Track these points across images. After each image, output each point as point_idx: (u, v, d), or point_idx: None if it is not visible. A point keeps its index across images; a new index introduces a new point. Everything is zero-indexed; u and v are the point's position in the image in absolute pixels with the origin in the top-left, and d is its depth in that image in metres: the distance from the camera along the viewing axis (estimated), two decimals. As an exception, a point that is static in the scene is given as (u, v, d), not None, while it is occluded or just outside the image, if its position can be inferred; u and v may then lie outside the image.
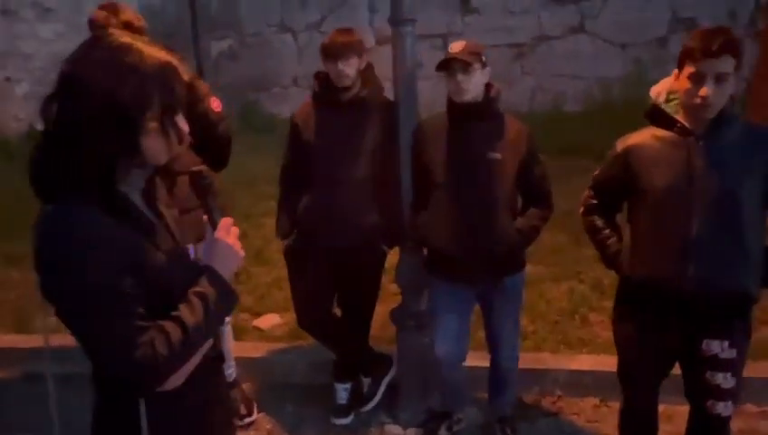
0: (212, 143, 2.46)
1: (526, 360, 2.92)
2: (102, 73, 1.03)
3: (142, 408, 1.15)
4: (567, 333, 3.16)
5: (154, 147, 1.10)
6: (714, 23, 7.81)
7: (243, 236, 3.52)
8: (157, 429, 1.17)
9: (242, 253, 1.24)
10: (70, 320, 1.07)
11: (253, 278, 3.87)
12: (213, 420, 1.32)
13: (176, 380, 1.14)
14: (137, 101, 1.04)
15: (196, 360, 1.19)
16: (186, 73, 1.13)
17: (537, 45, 8.33)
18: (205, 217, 1.24)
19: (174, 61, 1.10)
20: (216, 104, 2.48)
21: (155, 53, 1.08)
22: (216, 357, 1.32)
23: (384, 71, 2.57)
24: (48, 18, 7.36)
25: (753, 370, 2.76)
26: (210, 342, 1.24)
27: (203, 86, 2.45)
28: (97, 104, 1.02)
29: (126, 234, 1.07)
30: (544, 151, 6.07)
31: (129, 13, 2.26)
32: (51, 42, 7.20)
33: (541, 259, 3.92)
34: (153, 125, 1.07)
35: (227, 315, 1.30)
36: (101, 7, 2.26)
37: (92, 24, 2.24)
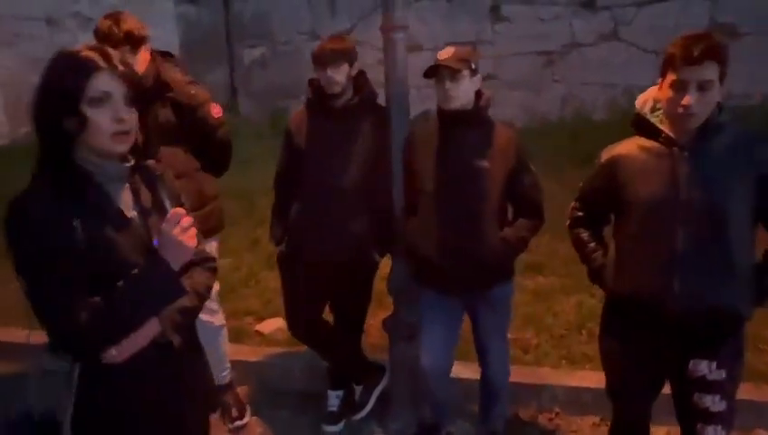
0: (211, 148, 2.51)
1: (525, 374, 2.87)
2: (44, 74, 1.28)
3: (75, 375, 1.31)
4: (571, 347, 3.06)
5: (96, 120, 1.26)
6: (755, 27, 7.56)
7: (256, 242, 3.50)
8: (85, 394, 1.32)
9: (191, 241, 1.32)
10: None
11: (261, 282, 3.90)
12: (157, 408, 1.39)
13: (114, 355, 1.29)
14: (68, 82, 1.25)
15: (138, 342, 1.32)
16: (124, 66, 1.31)
17: (568, 53, 8.20)
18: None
19: (99, 57, 1.28)
20: (215, 110, 2.52)
21: (87, 53, 1.29)
22: (166, 345, 1.37)
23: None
24: (89, 27, 7.65)
25: (764, 394, 2.64)
26: (157, 328, 1.34)
27: (202, 93, 2.49)
28: (42, 93, 1.28)
29: (73, 217, 1.23)
30: (573, 160, 5.94)
31: (131, 22, 2.31)
32: (89, 50, 7.52)
33: (553, 270, 3.84)
34: (92, 97, 1.26)
35: (170, 300, 1.34)
36: (106, 17, 2.32)
37: (96, 33, 2.31)
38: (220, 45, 9.45)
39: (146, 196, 1.40)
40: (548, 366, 2.92)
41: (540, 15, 8.50)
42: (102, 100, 1.26)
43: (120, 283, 1.26)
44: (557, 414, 2.73)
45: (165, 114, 2.37)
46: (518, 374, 2.84)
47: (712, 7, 7.95)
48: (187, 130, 2.41)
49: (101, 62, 1.27)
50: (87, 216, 1.25)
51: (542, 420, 2.72)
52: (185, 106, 2.41)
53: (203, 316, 2.63)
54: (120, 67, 1.29)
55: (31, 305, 1.25)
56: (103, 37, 2.24)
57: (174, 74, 2.45)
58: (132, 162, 1.37)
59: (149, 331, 1.33)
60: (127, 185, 1.38)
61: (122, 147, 1.31)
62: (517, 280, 3.94)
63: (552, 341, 3.15)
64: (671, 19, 8.02)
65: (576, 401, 2.70)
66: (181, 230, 1.31)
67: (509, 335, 3.23)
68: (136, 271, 1.28)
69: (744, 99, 7.75)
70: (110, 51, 1.32)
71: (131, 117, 1.31)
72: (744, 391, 2.66)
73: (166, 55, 2.53)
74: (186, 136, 2.42)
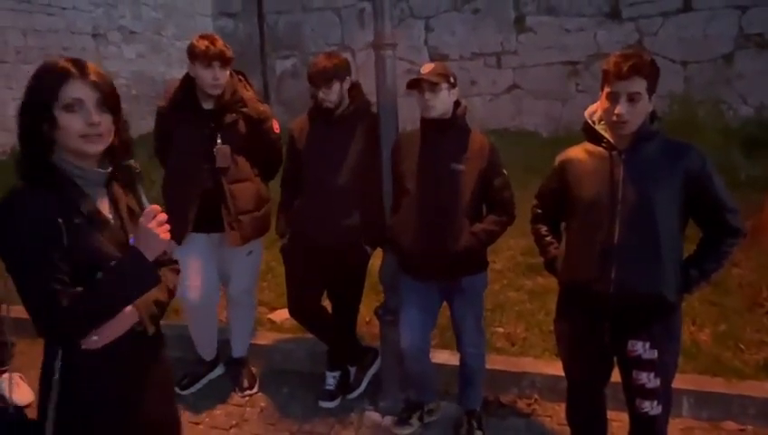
0: (269, 157, 2.91)
1: (508, 363, 3.08)
2: (28, 84, 1.39)
3: (57, 361, 1.39)
4: (557, 341, 3.26)
5: (67, 124, 1.36)
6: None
7: (276, 240, 3.80)
8: (68, 382, 1.39)
9: (165, 235, 1.42)
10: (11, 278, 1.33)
11: (277, 277, 4.21)
12: (133, 391, 1.49)
13: (95, 340, 1.38)
14: (45, 90, 1.37)
15: (117, 329, 1.42)
16: (97, 75, 1.40)
17: (592, 63, 8.29)
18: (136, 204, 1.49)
19: (73, 67, 1.39)
20: (276, 126, 2.92)
21: (63, 63, 1.39)
22: (141, 333, 1.48)
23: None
24: (132, 40, 8.21)
25: (734, 388, 2.80)
26: (135, 317, 1.45)
27: (268, 109, 2.91)
28: (25, 101, 1.38)
29: (57, 215, 1.32)
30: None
31: (222, 44, 2.70)
32: (133, 61, 8.05)
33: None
34: (64, 103, 1.36)
35: (146, 288, 1.43)
36: (201, 38, 2.70)
37: (192, 50, 2.65)
38: (254, 56, 9.89)
39: (123, 200, 1.51)
40: (531, 357, 3.12)
41: (564, 26, 8.63)
42: (73, 105, 1.36)
43: (100, 273, 1.35)
44: (535, 400, 2.93)
45: (239, 126, 2.77)
46: (502, 363, 3.07)
47: (740, 18, 7.94)
48: (253, 140, 2.80)
49: (74, 71, 1.37)
50: (68, 215, 1.34)
51: (521, 404, 2.92)
52: (255, 120, 2.81)
53: (247, 299, 3.08)
54: (93, 77, 1.38)
55: (20, 298, 1.33)
56: (200, 54, 2.63)
57: (246, 92, 2.85)
58: (110, 169, 1.47)
59: (128, 319, 1.43)
60: (105, 190, 1.47)
61: (94, 148, 1.40)
62: (517, 280, 4.17)
63: (541, 335, 3.34)
64: (698, 30, 8.05)
65: (553, 388, 2.88)
66: (157, 224, 1.41)
67: (500, 329, 3.47)
68: (118, 264, 1.38)
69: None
70: (87, 62, 1.42)
71: (104, 121, 1.39)
72: (716, 385, 2.84)
73: (239, 74, 2.89)
74: (250, 146, 2.81)
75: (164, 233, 1.42)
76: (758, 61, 7.76)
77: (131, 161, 1.50)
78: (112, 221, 1.47)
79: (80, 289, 1.33)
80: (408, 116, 3.14)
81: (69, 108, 1.36)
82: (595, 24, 8.44)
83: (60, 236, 1.32)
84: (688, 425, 2.75)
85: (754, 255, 4.06)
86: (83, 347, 1.38)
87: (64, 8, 7.28)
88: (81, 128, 1.37)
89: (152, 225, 1.41)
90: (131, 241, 1.45)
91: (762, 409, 2.72)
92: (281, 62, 9.86)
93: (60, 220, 1.32)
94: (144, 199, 1.46)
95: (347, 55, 9.71)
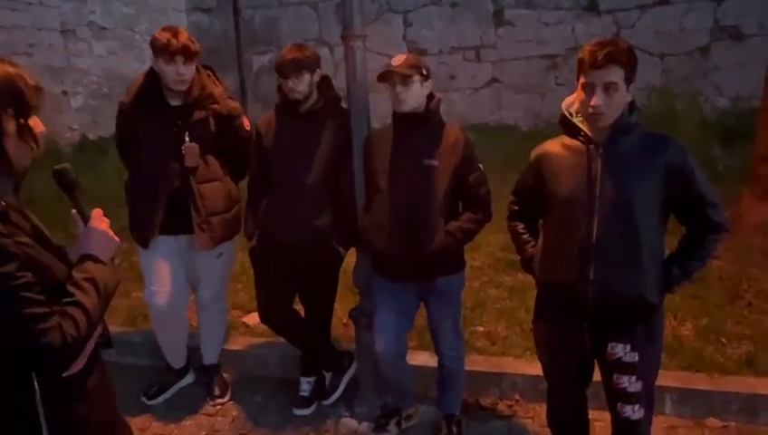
0: (240, 156, 2.79)
1: (488, 363, 3.00)
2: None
3: (38, 395, 1.22)
4: (538, 339, 3.19)
5: (17, 150, 1.22)
6: (759, 30, 7.55)
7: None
8: (55, 413, 1.25)
9: (116, 238, 1.35)
10: None
11: (251, 279, 4.08)
12: (105, 401, 1.43)
13: (79, 363, 1.27)
14: (22, 99, 1.19)
15: (91, 345, 1.32)
16: (32, 80, 1.24)
17: (571, 56, 8.26)
18: (73, 211, 1.35)
19: (20, 72, 1.23)
20: (246, 123, 2.80)
21: (23, 69, 1.22)
22: (105, 343, 1.43)
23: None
24: (103, 36, 7.99)
25: (717, 384, 2.76)
26: (99, 328, 1.34)
27: (238, 106, 2.79)
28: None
29: (11, 236, 1.14)
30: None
31: (186, 37, 2.56)
32: (104, 58, 7.83)
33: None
34: (11, 128, 1.20)
35: (113, 293, 1.33)
36: (164, 30, 2.56)
37: (154, 44, 2.53)
38: (231, 52, 9.70)
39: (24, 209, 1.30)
40: (512, 356, 3.05)
41: (542, 19, 8.59)
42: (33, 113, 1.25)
43: (74, 289, 1.22)
44: (516, 401, 2.86)
45: (208, 123, 2.66)
46: (482, 363, 2.99)
47: (715, 10, 7.96)
48: (223, 138, 2.68)
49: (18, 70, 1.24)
50: (13, 236, 1.16)
51: (502, 406, 2.84)
52: (225, 117, 2.69)
53: (218, 304, 2.96)
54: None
55: None
56: (162, 48, 2.50)
57: (215, 87, 2.73)
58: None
59: (97, 331, 1.33)
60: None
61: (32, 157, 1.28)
62: (497, 276, 4.10)
63: (522, 333, 3.26)
64: (675, 22, 8.07)
65: (535, 388, 2.80)
66: (106, 227, 1.34)
67: (480, 328, 3.39)
68: (82, 275, 1.25)
69: (750, 100, 7.76)
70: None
71: None
72: (699, 382, 2.79)
73: (207, 69, 2.76)
74: (220, 144, 2.70)
75: (114, 235, 1.35)
76: (733, 52, 7.80)
77: (66, 165, 1.34)
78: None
79: (66, 311, 1.18)
80: (388, 113, 3.04)
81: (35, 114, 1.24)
82: (573, 18, 8.42)
83: (26, 259, 1.15)
84: (672, 423, 2.70)
85: (733, 246, 4.04)
86: (64, 374, 1.24)
87: (30, 3, 7.03)
88: (39, 134, 1.26)
89: (104, 226, 1.33)
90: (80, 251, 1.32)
91: (744, 405, 2.67)
92: (257, 57, 9.69)
93: (9, 240, 1.13)
94: (86, 206, 1.35)
95: (324, 50, 9.52)
